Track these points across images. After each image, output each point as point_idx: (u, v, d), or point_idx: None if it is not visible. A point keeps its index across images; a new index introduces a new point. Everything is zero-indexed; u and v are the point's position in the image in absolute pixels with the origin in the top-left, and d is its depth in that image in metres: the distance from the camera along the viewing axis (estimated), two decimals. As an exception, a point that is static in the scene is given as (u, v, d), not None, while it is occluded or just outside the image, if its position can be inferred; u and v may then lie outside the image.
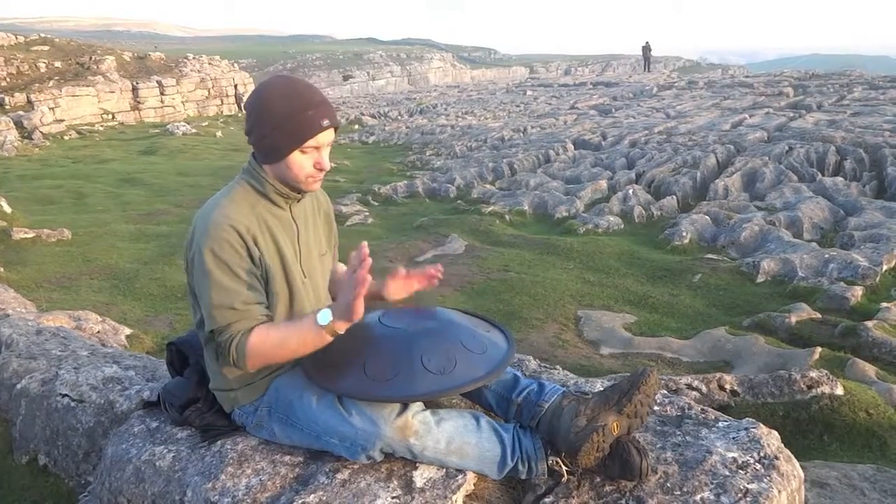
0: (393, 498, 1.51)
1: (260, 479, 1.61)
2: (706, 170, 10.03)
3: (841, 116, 12.64)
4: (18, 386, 2.66)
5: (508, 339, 1.78)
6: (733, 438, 1.69)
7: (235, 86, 29.27)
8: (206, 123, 22.76)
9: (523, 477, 1.63)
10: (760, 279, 6.11)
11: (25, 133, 18.18)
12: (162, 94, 25.37)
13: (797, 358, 4.13)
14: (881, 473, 2.32)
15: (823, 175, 9.40)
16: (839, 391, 3.01)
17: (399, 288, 1.83)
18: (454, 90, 35.92)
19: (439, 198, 10.71)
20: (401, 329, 1.69)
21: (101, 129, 21.15)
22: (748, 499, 1.47)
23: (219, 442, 1.78)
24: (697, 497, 1.49)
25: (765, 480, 1.52)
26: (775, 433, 1.73)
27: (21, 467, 2.49)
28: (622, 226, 8.33)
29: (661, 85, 23.61)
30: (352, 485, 1.56)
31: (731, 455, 1.61)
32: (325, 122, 1.61)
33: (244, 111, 1.71)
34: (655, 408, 1.87)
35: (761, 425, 1.75)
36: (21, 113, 19.22)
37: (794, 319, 4.90)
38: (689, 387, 2.93)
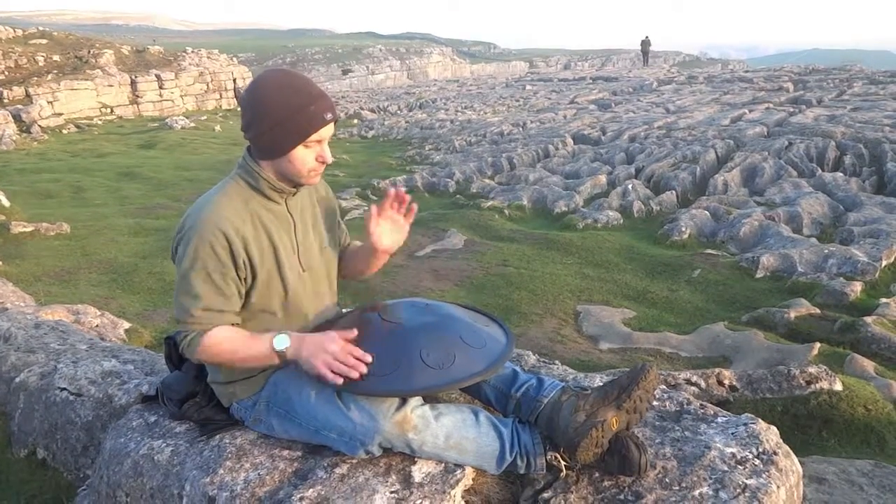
0: (391, 493, 1.51)
1: (258, 474, 1.61)
2: (706, 165, 10.02)
3: (841, 111, 12.60)
4: (17, 379, 2.66)
5: (507, 333, 1.77)
6: (732, 434, 1.69)
7: (234, 80, 29.16)
8: (205, 117, 22.68)
9: (522, 472, 1.63)
10: (760, 274, 6.11)
11: (24, 127, 18.11)
12: (160, 87, 25.27)
13: (796, 353, 4.15)
14: (879, 469, 2.32)
15: (823, 170, 9.39)
16: (838, 387, 3.02)
17: (385, 232, 1.82)
18: (453, 84, 35.82)
19: (438, 192, 10.69)
20: (400, 324, 1.68)
21: (99, 122, 21.08)
22: (747, 494, 1.47)
23: (217, 436, 1.78)
24: (696, 492, 1.49)
25: (763, 476, 1.52)
26: (774, 428, 1.73)
27: (20, 461, 2.50)
28: (621, 221, 8.33)
29: (660, 80, 23.54)
30: (350, 479, 1.56)
31: (729, 450, 1.61)
32: (328, 116, 1.61)
33: (240, 106, 1.70)
34: (654, 403, 1.87)
35: (760, 421, 1.75)
36: (19, 107, 19.13)
37: (793, 315, 4.90)
38: (688, 382, 2.93)
